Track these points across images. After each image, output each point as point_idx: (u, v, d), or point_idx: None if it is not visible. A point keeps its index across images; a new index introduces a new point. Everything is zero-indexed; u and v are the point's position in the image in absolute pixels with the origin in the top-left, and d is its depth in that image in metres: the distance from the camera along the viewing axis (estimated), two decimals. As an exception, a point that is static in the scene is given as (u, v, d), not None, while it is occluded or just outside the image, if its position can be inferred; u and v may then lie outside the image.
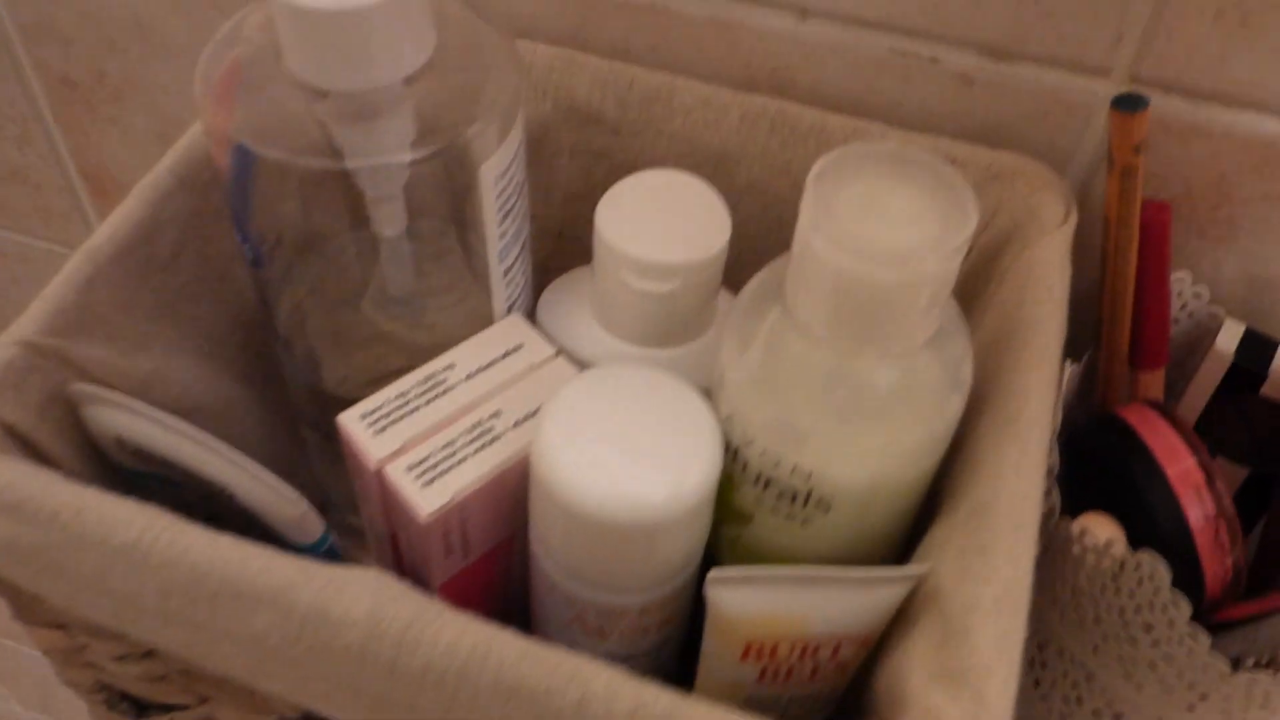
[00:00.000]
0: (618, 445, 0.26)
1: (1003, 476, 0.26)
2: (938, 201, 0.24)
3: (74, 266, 0.30)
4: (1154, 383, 0.35)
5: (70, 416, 0.30)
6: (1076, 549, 0.31)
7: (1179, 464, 0.32)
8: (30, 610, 0.29)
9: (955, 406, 0.27)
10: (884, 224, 0.24)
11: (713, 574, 0.26)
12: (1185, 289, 0.36)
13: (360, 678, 0.23)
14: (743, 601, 0.26)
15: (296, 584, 0.23)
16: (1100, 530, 0.31)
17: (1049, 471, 0.31)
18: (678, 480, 0.26)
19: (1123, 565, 0.30)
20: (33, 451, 0.28)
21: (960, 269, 0.25)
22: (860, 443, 0.26)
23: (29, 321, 0.29)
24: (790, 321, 0.26)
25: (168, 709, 0.30)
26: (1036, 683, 0.36)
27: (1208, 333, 0.36)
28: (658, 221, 0.30)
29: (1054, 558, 0.33)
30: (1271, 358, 0.34)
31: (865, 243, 0.23)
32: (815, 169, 0.24)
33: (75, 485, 0.25)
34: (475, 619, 0.23)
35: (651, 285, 0.30)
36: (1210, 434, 0.36)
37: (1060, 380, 0.30)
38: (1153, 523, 0.32)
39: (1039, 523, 0.26)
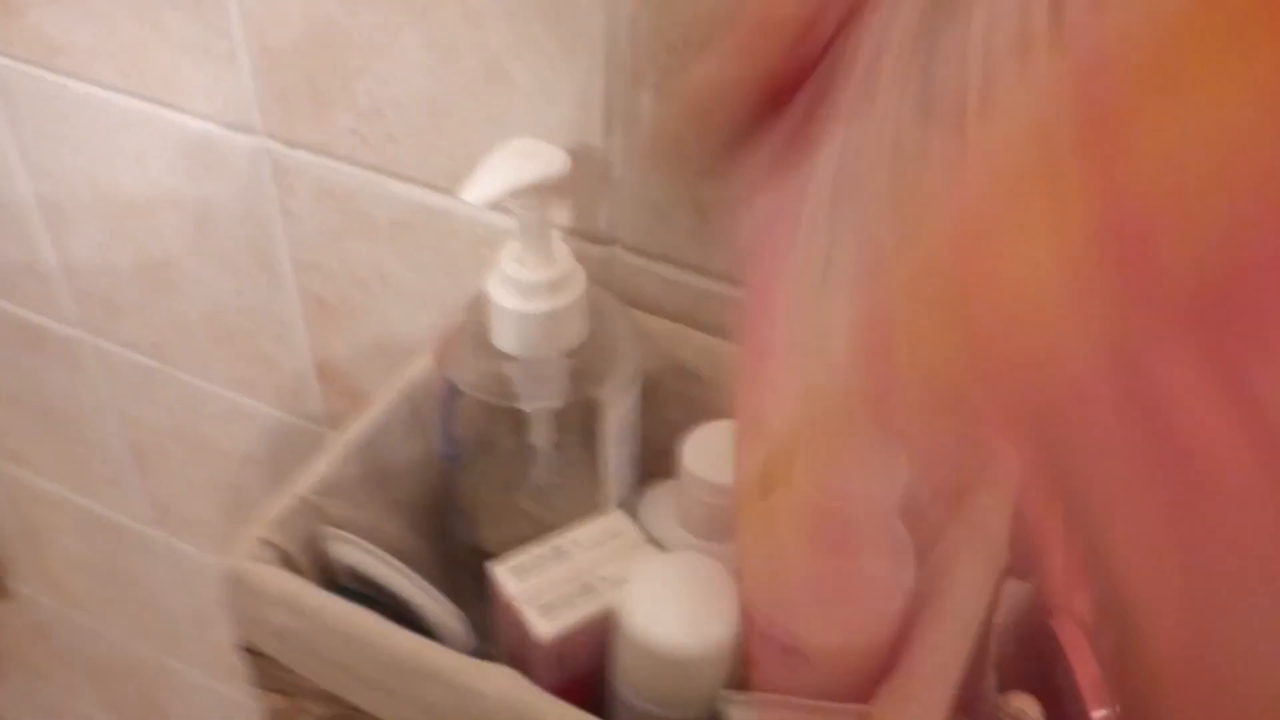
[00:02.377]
0: (676, 604, 0.39)
1: (926, 652, 0.37)
2: (880, 455, 0.37)
3: (334, 448, 0.45)
4: (1084, 603, 0.46)
5: (318, 549, 0.44)
6: (1003, 717, 0.42)
7: (1087, 669, 0.42)
8: (272, 679, 0.43)
9: (900, 596, 0.39)
10: (851, 471, 0.37)
11: (724, 694, 0.38)
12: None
13: (491, 736, 0.36)
14: (748, 715, 0.38)
15: (457, 668, 0.37)
16: (1019, 703, 0.42)
17: (990, 660, 0.43)
18: (710, 630, 0.38)
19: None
20: (295, 570, 0.43)
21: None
22: (834, 616, 0.39)
23: (303, 482, 0.44)
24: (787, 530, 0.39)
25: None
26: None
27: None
28: (722, 455, 0.44)
29: (997, 731, 0.44)
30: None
31: (839, 486, 0.36)
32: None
33: (324, 593, 0.40)
34: (570, 705, 0.35)
35: (713, 499, 0.43)
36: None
37: (995, 591, 0.42)
38: (1064, 711, 0.42)
39: (955, 681, 0.37)
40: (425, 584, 0.42)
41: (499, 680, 0.36)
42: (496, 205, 0.48)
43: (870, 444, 0.37)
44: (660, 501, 0.47)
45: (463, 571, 0.51)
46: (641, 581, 0.40)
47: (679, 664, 0.38)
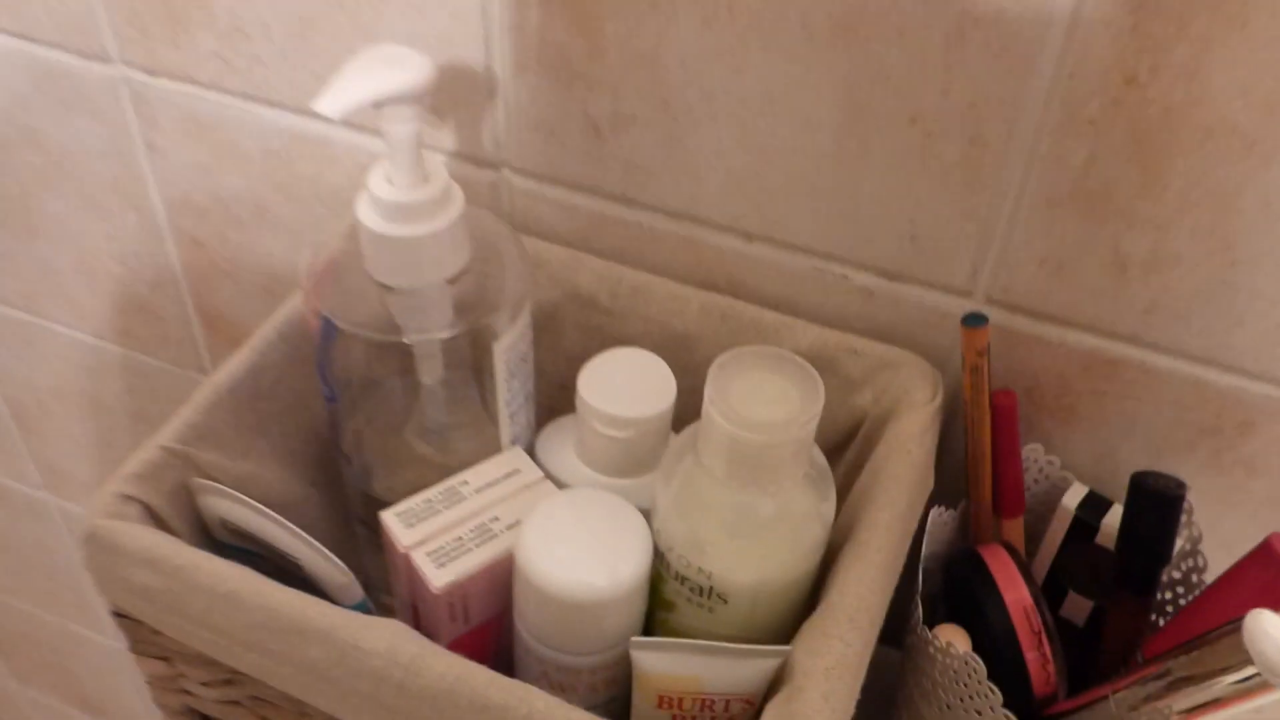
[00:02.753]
0: (577, 544, 0.37)
1: (848, 584, 0.36)
2: (799, 387, 0.35)
3: (201, 394, 0.42)
4: (1014, 529, 0.45)
5: (189, 502, 0.41)
6: (932, 650, 0.40)
7: (1015, 591, 0.41)
8: (146, 644, 0.40)
9: (818, 531, 0.37)
10: (761, 403, 0.35)
11: (633, 640, 0.36)
12: (1040, 457, 0.46)
13: (379, 695, 0.33)
14: (654, 662, 0.36)
15: (339, 625, 0.34)
16: (950, 636, 0.41)
17: (916, 592, 0.41)
18: (615, 571, 0.36)
19: (962, 663, 0.39)
20: (163, 526, 0.40)
21: (855, 433, 0.35)
22: (746, 553, 0.36)
23: (167, 432, 0.41)
24: (699, 465, 0.36)
25: (236, 726, 0.40)
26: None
27: (1059, 492, 0.45)
28: (622, 385, 0.41)
29: (918, 658, 0.42)
30: (1103, 515, 0.44)
31: (747, 416, 0.34)
32: (717, 361, 0.35)
33: (193, 549, 0.36)
34: (461, 657, 0.33)
35: (613, 432, 0.41)
36: (1063, 572, 0.45)
37: (919, 520, 0.40)
38: (991, 636, 0.41)
39: (879, 617, 0.36)
40: (304, 534, 0.39)
41: (387, 635, 0.34)
42: (359, 120, 0.45)
43: (788, 370, 0.35)
44: (559, 437, 0.45)
45: (358, 524, 0.48)
46: (540, 521, 0.38)
47: (584, 607, 0.36)
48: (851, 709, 0.34)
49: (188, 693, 0.41)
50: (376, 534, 0.41)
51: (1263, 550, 0.38)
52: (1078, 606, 0.45)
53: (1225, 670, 0.35)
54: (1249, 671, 0.33)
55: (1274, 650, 0.32)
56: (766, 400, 0.35)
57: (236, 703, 0.40)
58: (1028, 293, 0.42)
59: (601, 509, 0.38)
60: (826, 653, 0.34)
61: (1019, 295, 0.43)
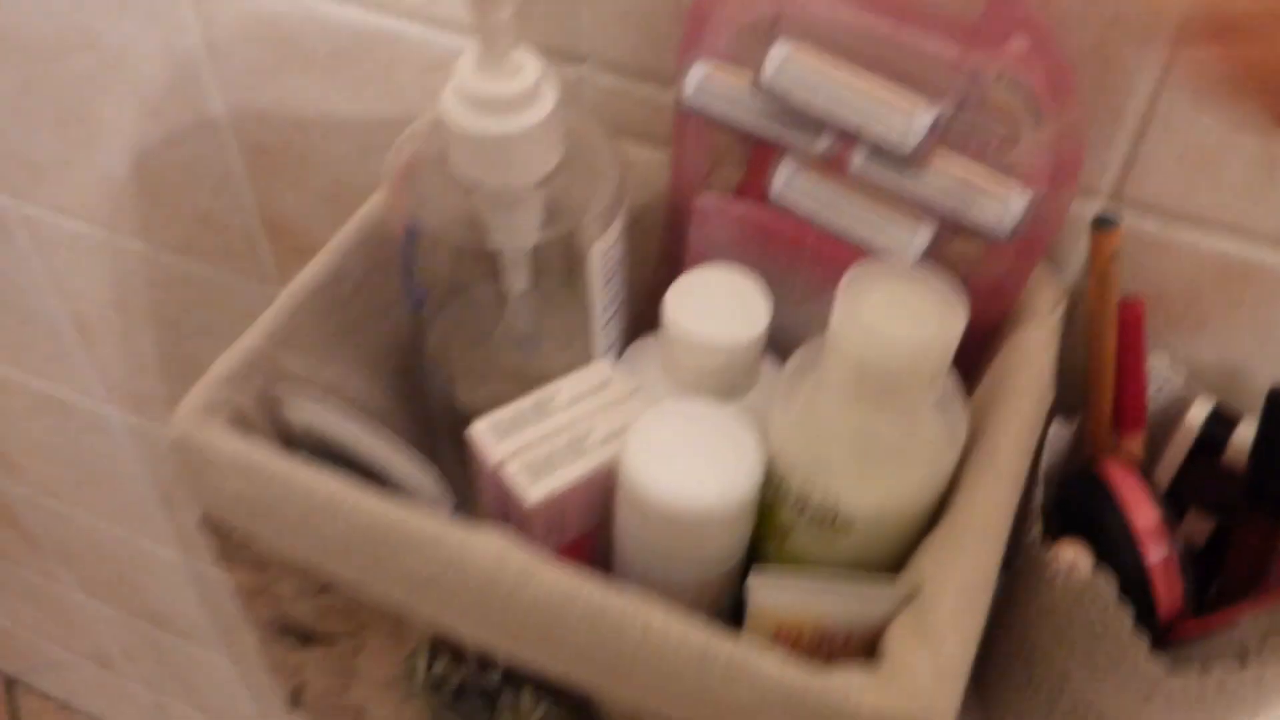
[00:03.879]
0: (685, 457, 0.35)
1: (976, 500, 0.34)
2: (936, 305, 0.32)
3: (284, 299, 0.40)
4: (1133, 444, 0.42)
5: (274, 410, 0.39)
6: (1051, 569, 0.38)
7: (1142, 512, 0.39)
8: (237, 551, 0.39)
9: (951, 455, 0.35)
10: (896, 321, 0.32)
11: (754, 571, 0.34)
12: (1164, 368, 0.43)
13: (485, 604, 0.32)
14: (775, 596, 0.34)
15: (444, 533, 0.32)
16: (1072, 554, 0.38)
17: (1033, 507, 0.39)
18: (727, 485, 0.34)
19: (1088, 583, 0.37)
20: (252, 431, 0.38)
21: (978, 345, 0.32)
22: (875, 477, 0.34)
23: (253, 333, 0.39)
24: (825, 386, 0.34)
25: (328, 638, 0.39)
26: (1030, 680, 0.43)
27: (1184, 405, 0.43)
28: (713, 307, 0.39)
29: (1036, 576, 0.40)
30: (1232, 431, 0.41)
31: (881, 337, 0.32)
32: (847, 274, 0.33)
33: (282, 455, 0.35)
34: (572, 569, 0.31)
35: (701, 359, 0.38)
36: (1185, 489, 0.43)
37: (1042, 434, 0.38)
38: (1118, 557, 0.39)
39: (1005, 534, 0.34)
40: (394, 441, 0.38)
41: (494, 543, 0.32)
42: (429, 12, 0.42)
43: (923, 286, 0.33)
44: (647, 354, 0.43)
45: (441, 438, 0.47)
46: (647, 431, 0.36)
47: (691, 522, 0.34)
48: (981, 627, 0.32)
49: (279, 602, 0.40)
50: (461, 449, 0.39)
51: None
52: (1199, 527, 0.43)
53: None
54: None
55: None
56: (902, 318, 0.32)
57: (329, 610, 0.39)
58: (1162, 191, 0.39)
59: (711, 423, 0.36)
60: (956, 568, 0.32)
61: (1152, 193, 0.39)
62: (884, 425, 0.34)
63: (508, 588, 0.31)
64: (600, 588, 0.31)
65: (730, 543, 0.36)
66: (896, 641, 0.30)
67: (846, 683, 0.29)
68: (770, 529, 0.37)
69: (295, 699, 0.47)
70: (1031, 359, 0.38)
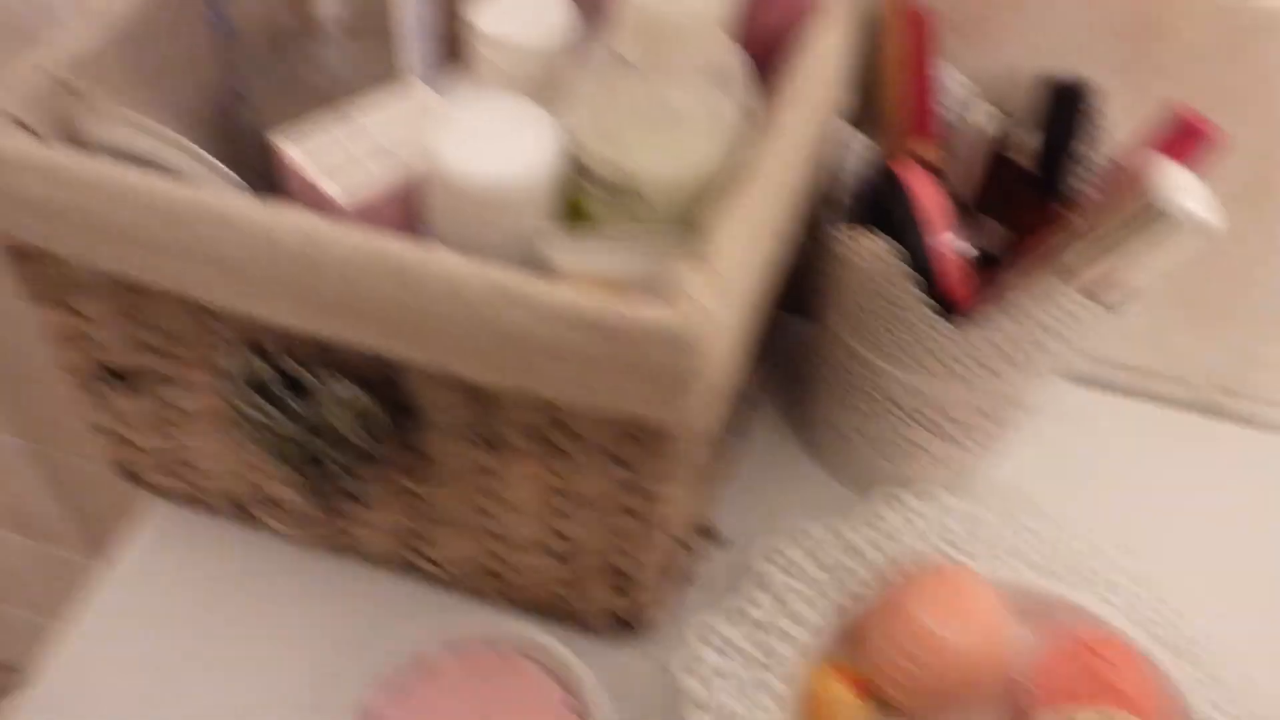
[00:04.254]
0: (487, 139, 0.36)
1: (758, 160, 0.35)
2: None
3: (84, 21, 0.39)
4: (924, 148, 0.45)
5: (74, 137, 0.39)
6: (849, 253, 0.41)
7: (930, 202, 0.42)
8: (46, 285, 0.38)
9: (737, 124, 0.37)
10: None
11: (544, 235, 0.36)
12: (954, 79, 0.46)
13: (297, 279, 0.33)
14: (567, 257, 0.36)
15: (255, 210, 0.33)
16: (867, 239, 0.41)
17: (831, 202, 0.42)
18: (528, 159, 0.36)
19: (882, 260, 0.40)
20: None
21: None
22: (664, 146, 0.36)
23: (46, 54, 0.38)
24: (612, 57, 0.36)
25: (146, 376, 0.40)
26: (842, 386, 0.47)
27: (978, 117, 0.45)
28: (519, 15, 0.40)
29: (835, 265, 0.43)
30: (1022, 138, 0.44)
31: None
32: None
33: (92, 159, 0.35)
34: (376, 231, 0.32)
35: (509, 60, 0.39)
36: (985, 202, 0.46)
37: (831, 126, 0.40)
38: (906, 239, 0.41)
39: (790, 190, 0.36)
40: (210, 158, 0.38)
41: (300, 217, 0.33)
42: None
43: None
44: (458, 81, 0.43)
45: (255, 182, 0.46)
46: (449, 121, 0.37)
47: (497, 198, 0.36)
48: (765, 264, 0.34)
49: (91, 344, 0.40)
50: (277, 191, 0.39)
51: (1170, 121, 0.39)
52: (993, 231, 0.46)
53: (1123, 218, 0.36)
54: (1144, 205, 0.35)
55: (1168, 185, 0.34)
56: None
57: (145, 347, 0.39)
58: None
59: (509, 109, 0.37)
60: (736, 211, 0.34)
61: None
62: (669, 92, 0.35)
63: (317, 254, 0.32)
64: (408, 245, 0.32)
65: (534, 218, 0.37)
66: (678, 273, 0.32)
67: (635, 306, 0.31)
68: (572, 215, 0.39)
69: (126, 469, 0.47)
70: (821, 53, 0.39)
